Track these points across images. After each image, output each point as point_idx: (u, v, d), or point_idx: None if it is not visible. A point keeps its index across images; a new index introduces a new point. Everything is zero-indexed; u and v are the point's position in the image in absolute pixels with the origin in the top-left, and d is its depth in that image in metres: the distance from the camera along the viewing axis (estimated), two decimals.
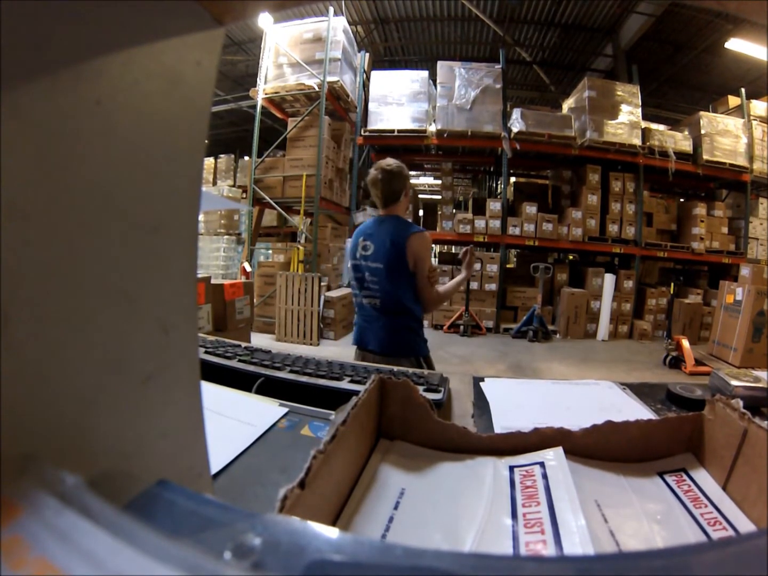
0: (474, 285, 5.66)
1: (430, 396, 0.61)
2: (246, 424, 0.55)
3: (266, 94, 5.13)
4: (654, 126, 6.31)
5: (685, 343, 4.12)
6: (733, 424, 0.38)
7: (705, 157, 5.96)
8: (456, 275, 5.36)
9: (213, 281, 2.74)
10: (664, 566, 0.16)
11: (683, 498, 0.38)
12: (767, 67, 5.80)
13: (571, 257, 7.50)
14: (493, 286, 5.73)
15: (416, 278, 1.35)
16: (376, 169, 1.39)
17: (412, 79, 5.90)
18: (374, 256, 1.36)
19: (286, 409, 0.60)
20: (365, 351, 1.42)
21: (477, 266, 5.55)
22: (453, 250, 8.74)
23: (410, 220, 1.60)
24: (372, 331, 1.39)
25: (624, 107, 5.84)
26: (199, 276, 2.68)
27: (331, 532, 0.17)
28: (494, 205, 5.86)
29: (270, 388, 0.68)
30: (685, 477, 0.41)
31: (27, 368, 0.18)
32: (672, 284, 4.86)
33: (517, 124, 5.69)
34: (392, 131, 5.79)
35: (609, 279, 5.60)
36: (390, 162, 1.40)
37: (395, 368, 0.77)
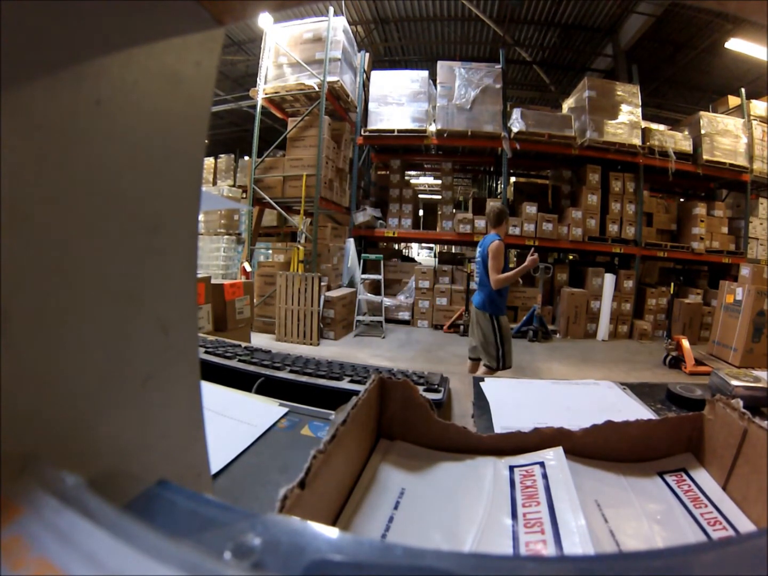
0: (474, 285, 5.65)
1: (430, 396, 0.61)
2: (246, 424, 0.55)
3: (266, 94, 5.13)
4: (654, 126, 6.31)
5: (685, 343, 4.12)
6: (733, 424, 0.38)
7: (705, 157, 5.96)
8: (455, 274, 5.65)
9: (213, 281, 2.74)
10: (664, 566, 0.16)
11: (683, 498, 0.38)
12: (767, 67, 5.80)
13: (571, 257, 7.51)
14: None
15: (488, 268, 2.57)
16: (490, 208, 2.74)
17: (412, 79, 5.90)
18: (479, 254, 2.69)
19: (286, 409, 0.60)
20: (475, 307, 2.74)
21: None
22: (453, 251, 8.74)
23: (500, 237, 2.61)
24: (476, 295, 2.76)
25: (624, 107, 5.84)
26: (199, 276, 2.68)
27: (331, 532, 0.17)
28: None
29: (270, 388, 0.68)
30: (685, 477, 0.41)
31: (27, 368, 0.18)
32: (672, 284, 4.87)
33: (517, 124, 5.69)
34: (392, 131, 5.80)
35: (609, 279, 5.60)
36: (497, 205, 2.88)
37: (395, 368, 0.77)
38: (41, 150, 0.18)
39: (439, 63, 5.88)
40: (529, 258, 2.58)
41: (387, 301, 5.54)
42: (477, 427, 0.59)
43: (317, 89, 4.90)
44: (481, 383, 0.75)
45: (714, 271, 6.51)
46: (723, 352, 4.76)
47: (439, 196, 6.81)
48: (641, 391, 0.73)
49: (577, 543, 0.29)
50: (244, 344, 0.92)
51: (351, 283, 5.54)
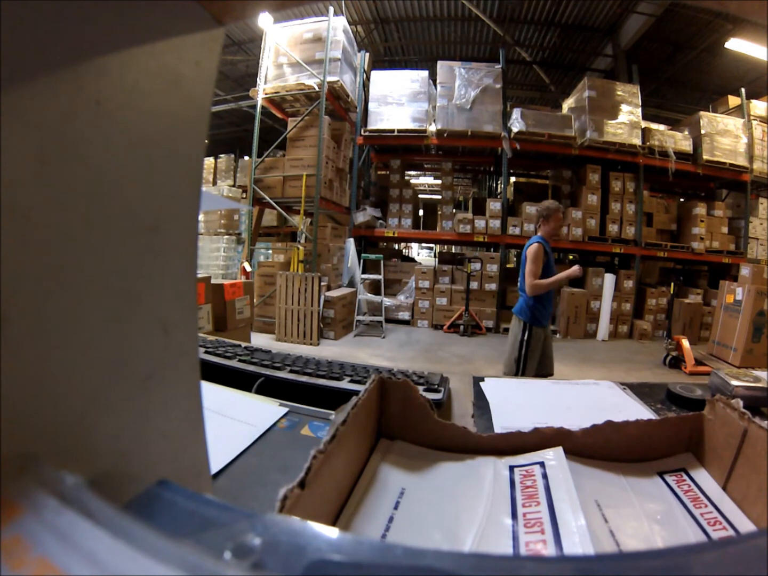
0: (474, 285, 5.66)
1: (430, 396, 0.61)
2: (246, 424, 0.55)
3: (266, 94, 5.13)
4: (654, 126, 6.31)
5: (685, 343, 4.12)
6: (733, 424, 0.38)
7: (705, 157, 5.96)
8: (455, 274, 5.61)
9: (213, 281, 2.74)
10: (664, 566, 0.16)
11: (683, 498, 0.38)
12: (767, 67, 5.80)
13: (571, 257, 7.51)
14: (493, 286, 5.74)
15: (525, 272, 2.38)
16: (539, 206, 2.48)
17: (412, 79, 5.90)
18: (523, 256, 2.45)
19: (286, 409, 0.60)
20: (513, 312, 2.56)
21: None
22: (453, 250, 8.74)
23: (542, 238, 2.39)
24: (518, 300, 2.51)
25: (624, 107, 5.84)
26: (199, 276, 2.68)
27: (331, 532, 0.17)
28: (494, 205, 5.86)
29: (270, 388, 0.68)
30: (685, 477, 0.41)
31: (27, 368, 0.18)
32: (672, 284, 4.86)
33: (517, 123, 5.69)
34: (392, 131, 5.80)
35: (609, 279, 5.60)
36: (544, 203, 2.47)
37: (395, 368, 0.77)
38: (41, 150, 0.18)
39: (439, 63, 5.88)
40: (573, 267, 2.41)
41: (387, 301, 5.54)
42: (477, 427, 0.59)
43: (317, 89, 4.90)
44: (481, 383, 0.75)
45: (714, 271, 6.51)
46: (723, 352, 4.76)
47: (439, 196, 6.81)
48: (641, 391, 0.73)
49: (577, 543, 0.29)
50: (244, 344, 0.92)
51: (351, 283, 5.54)
